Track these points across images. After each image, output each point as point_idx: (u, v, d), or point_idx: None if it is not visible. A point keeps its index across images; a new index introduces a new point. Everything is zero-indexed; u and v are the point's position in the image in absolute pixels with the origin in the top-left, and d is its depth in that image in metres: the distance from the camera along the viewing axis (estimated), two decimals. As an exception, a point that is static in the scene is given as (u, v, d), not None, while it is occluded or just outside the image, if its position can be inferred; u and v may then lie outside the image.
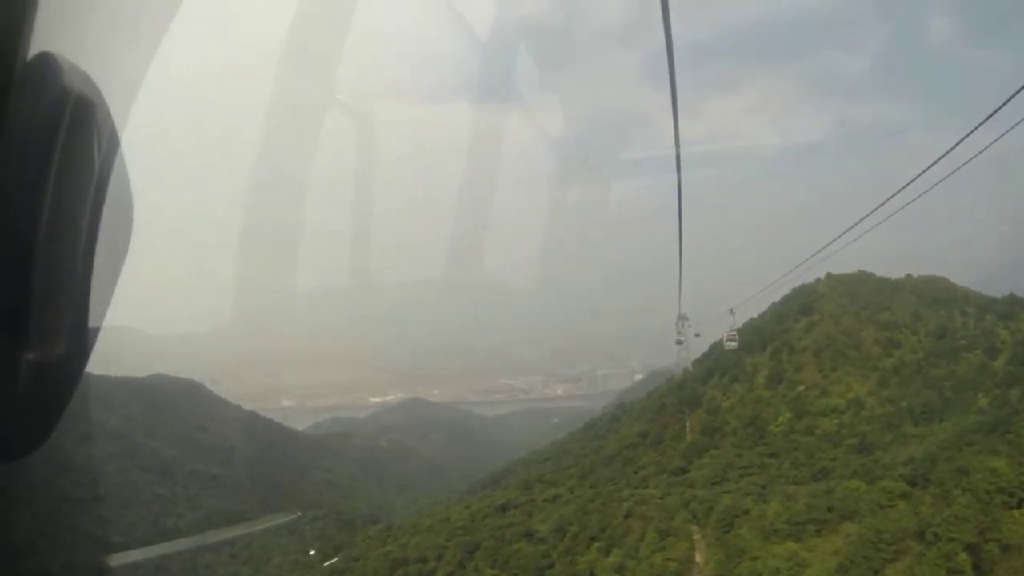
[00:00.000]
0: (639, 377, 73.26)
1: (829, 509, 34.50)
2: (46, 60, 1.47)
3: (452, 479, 61.23)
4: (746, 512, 37.53)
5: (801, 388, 46.49)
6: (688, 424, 49.13)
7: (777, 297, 55.35)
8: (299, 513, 46.14)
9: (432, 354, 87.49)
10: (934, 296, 52.06)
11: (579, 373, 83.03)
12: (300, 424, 68.89)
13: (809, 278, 53.91)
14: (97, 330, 1.65)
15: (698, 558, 36.66)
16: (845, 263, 53.47)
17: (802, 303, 52.64)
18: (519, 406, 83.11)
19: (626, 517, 40.86)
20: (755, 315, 56.17)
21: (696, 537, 37.86)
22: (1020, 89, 8.50)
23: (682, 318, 53.04)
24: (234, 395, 61.55)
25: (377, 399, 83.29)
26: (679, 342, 53.63)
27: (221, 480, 47.88)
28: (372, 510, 52.35)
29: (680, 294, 43.53)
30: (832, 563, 31.51)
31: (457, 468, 64.63)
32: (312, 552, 42.06)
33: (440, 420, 78.00)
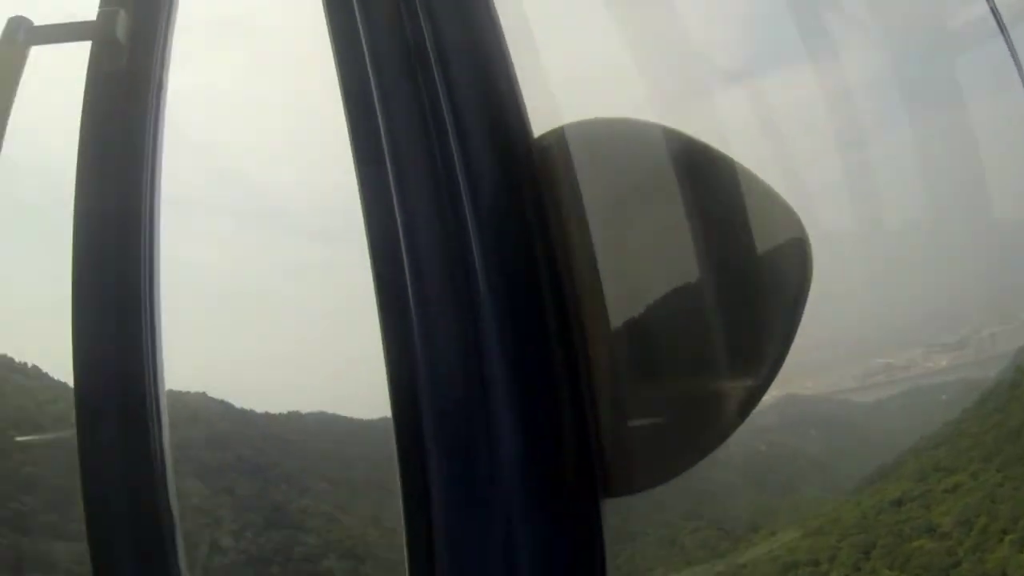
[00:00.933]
0: (1035, 330, 62.14)
1: None
2: (572, 131, 1.41)
3: (837, 476, 58.96)
4: None
5: None
6: (1106, 383, 41.66)
7: None
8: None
9: (797, 342, 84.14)
10: None
11: (963, 338, 72.98)
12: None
13: None
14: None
15: None
16: None
17: None
18: (900, 387, 75.31)
19: (1042, 503, 36.94)
20: None
21: None
22: None
23: (1074, 245, 45.39)
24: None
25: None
26: (1076, 277, 45.75)
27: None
28: (753, 516, 52.65)
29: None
30: None
31: (841, 464, 61.65)
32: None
33: (817, 414, 74.25)
